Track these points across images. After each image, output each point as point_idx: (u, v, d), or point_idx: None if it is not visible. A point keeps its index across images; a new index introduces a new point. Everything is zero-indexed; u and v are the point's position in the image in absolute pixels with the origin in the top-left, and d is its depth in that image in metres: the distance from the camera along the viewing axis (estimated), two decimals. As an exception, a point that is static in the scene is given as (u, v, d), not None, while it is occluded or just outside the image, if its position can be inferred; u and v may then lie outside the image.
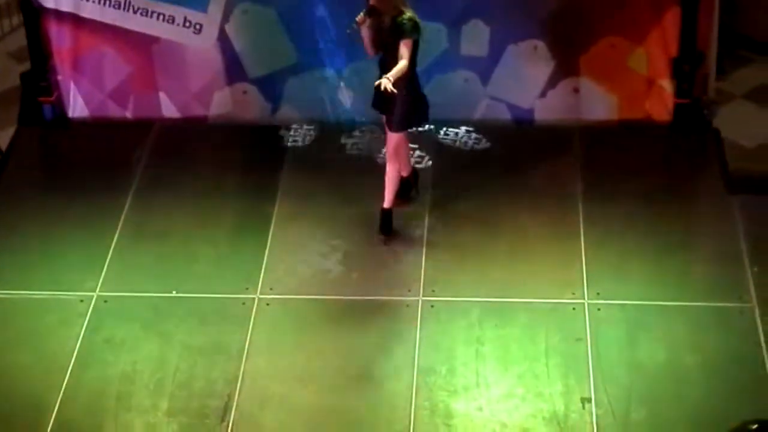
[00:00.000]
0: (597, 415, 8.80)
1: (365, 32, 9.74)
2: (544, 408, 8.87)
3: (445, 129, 11.51)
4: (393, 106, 9.90)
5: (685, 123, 11.47)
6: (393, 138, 10.16)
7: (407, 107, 9.95)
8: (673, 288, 9.74)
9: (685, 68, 11.31)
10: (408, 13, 9.64)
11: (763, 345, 9.15)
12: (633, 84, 11.55)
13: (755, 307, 9.51)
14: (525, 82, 11.61)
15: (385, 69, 9.72)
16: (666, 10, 11.18)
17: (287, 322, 9.71)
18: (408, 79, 9.75)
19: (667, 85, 11.46)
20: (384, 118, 10.14)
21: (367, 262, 10.14)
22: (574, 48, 11.46)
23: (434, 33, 11.08)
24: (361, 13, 9.65)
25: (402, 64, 9.48)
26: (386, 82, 9.33)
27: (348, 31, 9.74)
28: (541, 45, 11.43)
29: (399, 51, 9.52)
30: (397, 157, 10.25)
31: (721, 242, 10.20)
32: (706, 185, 10.95)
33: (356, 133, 11.46)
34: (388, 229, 10.35)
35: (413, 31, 9.60)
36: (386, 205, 10.32)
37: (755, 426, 8.16)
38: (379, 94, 9.85)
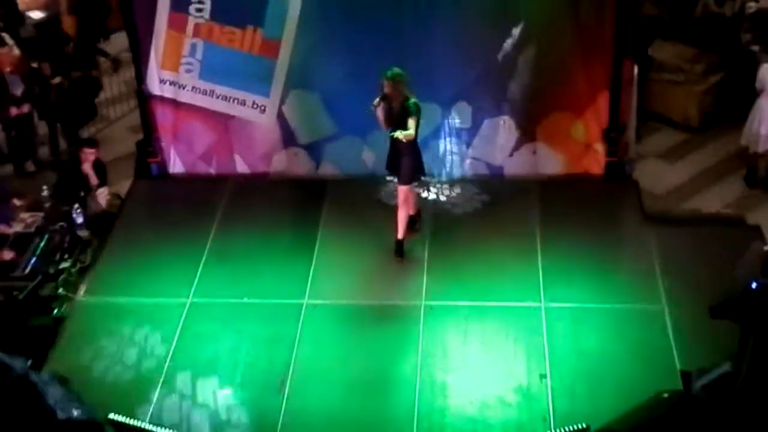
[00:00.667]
0: (551, 387, 8.77)
1: (380, 113, 9.74)
2: (513, 382, 8.86)
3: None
4: (401, 167, 9.92)
5: (613, 176, 11.37)
6: (402, 190, 10.11)
7: (412, 166, 9.94)
8: (605, 295, 9.69)
9: (613, 136, 11.23)
10: (412, 99, 9.64)
11: (671, 337, 9.10)
12: (575, 147, 11.46)
13: (665, 308, 9.45)
14: (497, 146, 11.52)
15: (394, 141, 9.79)
16: (598, 93, 11.12)
17: (328, 321, 9.67)
18: (412, 146, 9.76)
19: (600, 148, 11.37)
20: (395, 177, 10.12)
21: (385, 277, 10.09)
22: (531, 121, 11.37)
23: (431, 111, 11.02)
24: (377, 99, 9.65)
25: (410, 133, 9.49)
26: (399, 134, 9.47)
27: (367, 111, 9.70)
28: (508, 119, 11.36)
29: (407, 125, 9.53)
30: (406, 203, 10.18)
31: (640, 262, 10.11)
32: (629, 220, 10.87)
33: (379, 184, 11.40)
34: (400, 253, 10.26)
35: (417, 112, 9.64)
36: (399, 236, 10.24)
37: (666, 394, 8.13)
38: (391, 159, 10.03)
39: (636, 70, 11.50)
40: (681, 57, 13.54)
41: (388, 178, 10.66)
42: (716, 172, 12.69)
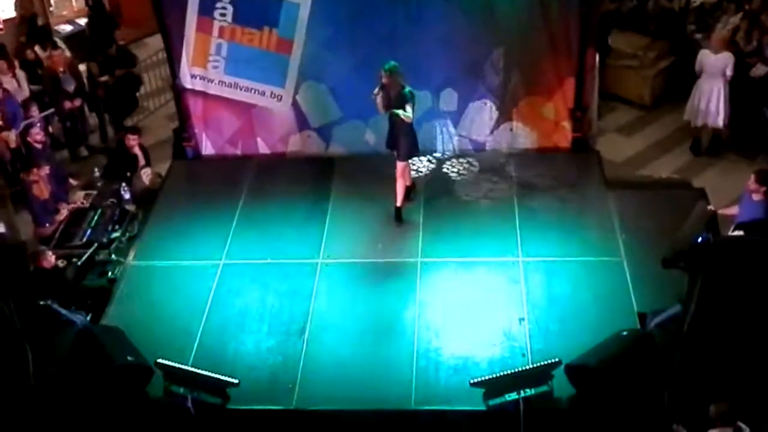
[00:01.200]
0: (529, 328, 8.85)
1: (379, 100, 9.74)
2: (496, 323, 8.93)
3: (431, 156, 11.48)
4: (399, 145, 9.92)
5: (579, 148, 11.39)
6: (400, 165, 10.12)
7: (409, 145, 9.98)
8: (573, 249, 9.72)
9: (578, 114, 11.24)
10: (407, 87, 9.68)
11: (629, 284, 9.16)
12: (546, 125, 11.45)
13: (623, 260, 9.50)
14: (480, 125, 11.52)
15: (393, 123, 9.85)
16: (565, 79, 11.10)
17: (339, 276, 9.70)
18: (409, 127, 9.81)
19: (567, 125, 11.36)
20: (394, 153, 10.11)
21: (386, 239, 10.09)
22: (508, 104, 11.36)
23: (422, 97, 11.01)
24: (377, 88, 9.67)
25: (409, 114, 9.59)
26: (401, 113, 9.58)
27: (371, 98, 9.69)
28: (489, 103, 11.36)
29: (405, 109, 9.60)
30: (403, 176, 10.21)
31: (602, 220, 10.13)
32: (592, 185, 10.82)
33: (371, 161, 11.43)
34: (399, 218, 10.30)
35: (412, 98, 9.67)
36: (398, 204, 10.27)
37: (625, 332, 8.21)
38: (390, 138, 10.03)
39: (597, 57, 11.50)
40: (636, 45, 13.54)
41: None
42: (666, 143, 12.74)
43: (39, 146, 11.68)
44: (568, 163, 11.23)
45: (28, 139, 11.75)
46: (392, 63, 9.63)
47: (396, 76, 9.64)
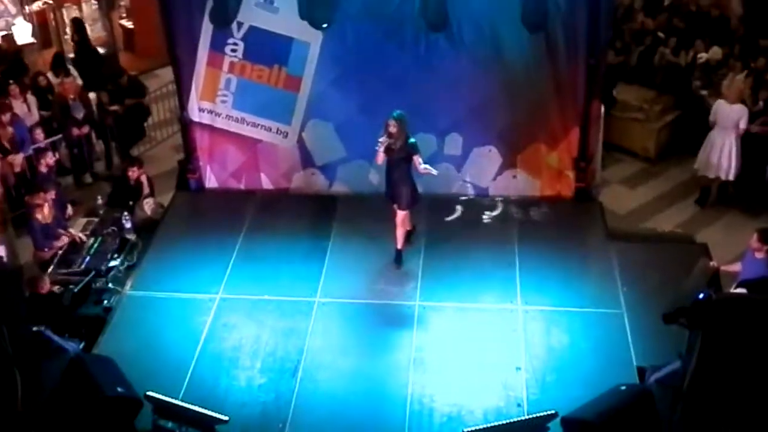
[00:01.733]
0: (526, 378, 8.66)
1: (383, 149, 9.49)
2: (493, 371, 8.74)
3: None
4: (401, 195, 9.76)
5: (581, 198, 11.26)
6: (401, 214, 9.91)
7: (410, 195, 9.80)
8: (573, 299, 9.55)
9: (582, 165, 11.12)
10: (412, 138, 9.52)
11: (629, 338, 8.98)
12: (549, 173, 11.33)
13: (624, 313, 9.32)
14: (483, 171, 11.40)
15: (390, 173, 9.71)
16: (570, 129, 11.01)
17: (335, 316, 9.53)
18: (409, 177, 9.69)
19: (570, 174, 11.25)
20: (395, 205, 9.87)
21: (385, 280, 9.91)
22: (513, 151, 11.26)
23: (427, 140, 10.91)
24: (383, 137, 9.45)
25: (427, 167, 9.55)
26: (427, 167, 9.55)
27: (376, 146, 9.52)
28: (493, 149, 11.25)
29: (413, 160, 9.49)
30: (403, 224, 10.02)
31: (603, 272, 9.97)
32: (594, 236, 10.70)
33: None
34: (399, 261, 10.11)
35: (418, 149, 9.54)
36: (399, 246, 10.09)
37: (624, 387, 8.01)
38: (390, 188, 9.81)
39: (602, 109, 11.40)
40: (642, 98, 13.52)
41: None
42: (670, 197, 12.63)
43: (46, 171, 11.57)
44: (571, 213, 11.10)
45: (41, 163, 11.67)
46: (400, 112, 9.46)
47: (404, 125, 9.44)
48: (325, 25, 10.57)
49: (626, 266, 9.95)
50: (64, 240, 10.46)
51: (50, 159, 11.76)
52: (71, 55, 15.65)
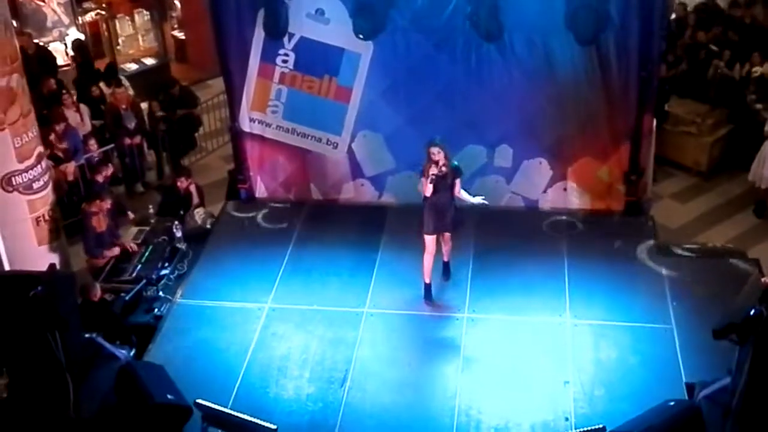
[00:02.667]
0: (573, 392, 8.67)
1: (429, 181, 9.15)
2: (541, 384, 8.78)
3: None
4: (450, 222, 9.52)
5: (632, 212, 11.24)
6: (447, 234, 9.70)
7: (459, 216, 9.61)
8: (623, 314, 9.54)
9: (633, 178, 11.11)
10: (455, 161, 9.36)
11: (678, 353, 8.95)
12: (600, 187, 11.33)
13: (674, 328, 9.29)
14: (534, 183, 11.44)
15: (435, 202, 9.29)
16: (621, 142, 11.00)
17: (384, 327, 9.62)
18: (454, 200, 9.47)
19: (621, 188, 11.23)
20: (443, 235, 9.65)
21: (433, 292, 9.94)
22: (563, 164, 11.28)
23: (477, 152, 11.01)
24: (430, 166, 9.13)
25: (466, 194, 9.43)
26: (479, 198, 9.51)
27: (420, 187, 9.34)
28: (544, 161, 11.28)
29: (456, 186, 9.33)
30: (451, 239, 9.79)
31: (653, 287, 9.94)
32: (643, 250, 10.62)
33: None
34: (448, 275, 10.02)
35: (462, 172, 9.43)
36: (446, 259, 9.93)
37: (672, 402, 7.99)
38: (435, 219, 9.39)
39: (654, 123, 11.38)
40: (694, 112, 13.45)
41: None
42: (722, 211, 12.57)
43: (102, 181, 11.85)
44: (621, 226, 11.08)
45: (99, 173, 11.96)
46: (438, 137, 9.24)
47: (446, 150, 9.18)
48: (372, 37, 10.69)
49: (676, 280, 9.93)
50: (116, 250, 10.69)
51: (108, 170, 12.04)
52: (126, 66, 15.95)
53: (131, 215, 11.67)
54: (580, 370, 8.88)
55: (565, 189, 11.40)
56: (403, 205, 11.56)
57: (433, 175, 9.09)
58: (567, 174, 11.32)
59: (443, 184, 9.22)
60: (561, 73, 10.66)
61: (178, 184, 11.63)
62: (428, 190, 9.20)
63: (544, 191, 11.46)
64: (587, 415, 8.32)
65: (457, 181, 9.34)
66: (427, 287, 9.80)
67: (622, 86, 10.66)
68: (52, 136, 12.17)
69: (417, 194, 11.36)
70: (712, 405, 7.76)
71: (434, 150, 9.08)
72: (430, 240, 9.52)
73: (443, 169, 9.11)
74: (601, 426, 7.65)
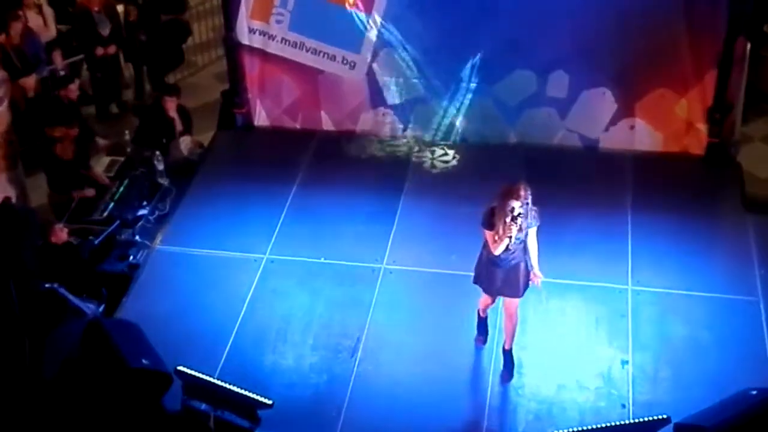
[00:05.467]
0: (633, 373, 8.69)
1: (507, 238, 7.90)
2: (592, 365, 8.80)
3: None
4: (518, 282, 8.32)
5: (715, 157, 11.17)
6: (515, 303, 8.52)
7: (526, 274, 8.39)
8: (696, 281, 9.53)
9: (717, 116, 11.03)
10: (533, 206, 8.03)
11: (765, 331, 8.94)
12: (676, 125, 11.28)
13: (760, 300, 9.28)
14: (593, 119, 11.39)
15: (503, 260, 8.11)
16: (706, 70, 10.92)
17: (404, 287, 9.67)
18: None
19: (702, 127, 11.18)
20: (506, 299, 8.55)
21: (463, 249, 9.82)
22: (632, 95, 11.21)
23: (525, 78, 10.93)
24: (510, 223, 7.79)
25: (536, 251, 8.24)
26: (540, 279, 8.36)
27: (498, 241, 7.95)
28: (608, 92, 11.21)
29: (531, 236, 8.13)
30: (514, 315, 8.64)
31: (737, 249, 9.93)
32: (728, 205, 10.64)
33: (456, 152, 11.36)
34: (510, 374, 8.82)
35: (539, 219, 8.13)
36: (507, 347, 8.77)
37: (755, 392, 7.97)
38: (505, 284, 8.33)
39: (748, 47, 11.26)
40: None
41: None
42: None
43: (67, 99, 11.87)
44: (701, 175, 11.06)
45: (62, 92, 11.91)
46: (523, 182, 8.06)
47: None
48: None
49: (766, 243, 9.90)
50: (91, 191, 10.72)
51: (72, 91, 11.99)
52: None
53: (102, 142, 11.69)
54: (643, 347, 8.90)
55: (632, 127, 11.36)
56: (432, 141, 11.53)
57: (509, 235, 7.88)
58: (635, 109, 11.27)
59: (517, 236, 8.03)
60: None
61: (164, 104, 11.58)
62: (500, 249, 8.02)
63: (606, 129, 11.42)
64: (649, 403, 8.36)
65: (532, 231, 8.14)
66: (482, 321, 9.00)
67: (709, 1, 10.54)
68: (2, 37, 12.09)
69: (450, 128, 11.40)
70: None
71: (516, 206, 7.77)
72: (486, 298, 8.70)
73: (522, 226, 7.92)
74: (665, 416, 7.67)
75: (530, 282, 8.38)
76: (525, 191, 7.82)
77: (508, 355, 8.76)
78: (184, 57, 14.50)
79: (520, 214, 7.76)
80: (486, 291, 8.51)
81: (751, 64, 11.62)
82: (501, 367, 8.76)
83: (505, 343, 8.78)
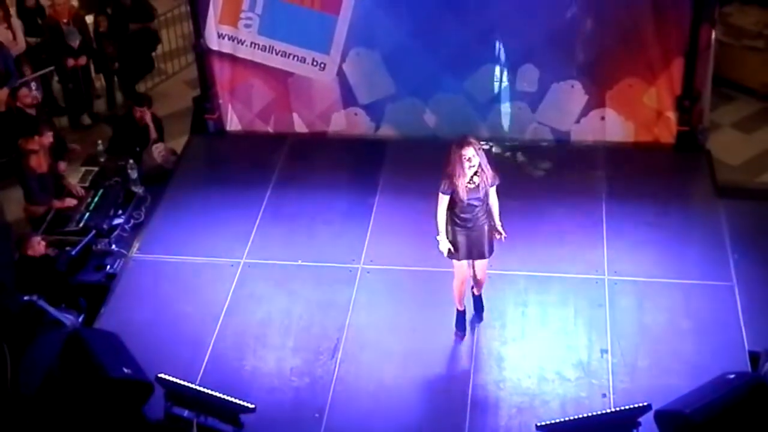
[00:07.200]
0: (612, 363, 8.71)
1: (455, 190, 8.18)
2: (572, 356, 8.81)
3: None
4: (486, 242, 8.52)
5: (685, 145, 11.23)
6: (484, 264, 8.78)
7: (491, 237, 8.59)
8: (672, 269, 9.56)
9: (686, 104, 11.08)
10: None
11: (740, 315, 8.98)
12: (646, 114, 11.32)
13: (734, 285, 9.31)
14: (564, 112, 11.41)
15: (467, 219, 8.29)
16: (673, 59, 10.96)
17: (382, 286, 9.65)
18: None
19: (672, 116, 11.23)
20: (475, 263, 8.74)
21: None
22: (601, 86, 11.24)
23: (495, 73, 10.94)
24: (459, 173, 8.09)
25: (497, 209, 8.44)
26: (503, 236, 8.50)
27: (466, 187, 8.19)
28: (577, 84, 11.23)
29: (491, 195, 8.33)
30: (485, 275, 8.95)
31: (710, 235, 9.97)
32: (700, 192, 10.71)
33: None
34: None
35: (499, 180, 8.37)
36: (476, 293, 9.11)
37: (732, 376, 8.00)
38: (474, 246, 8.52)
39: (714, 34, 11.29)
40: (762, 22, 13.29)
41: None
42: (794, 144, 12.50)
43: (31, 111, 11.76)
44: (671, 163, 11.11)
45: (18, 103, 11.82)
46: (470, 134, 8.43)
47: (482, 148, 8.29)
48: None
49: (738, 229, 9.93)
50: (72, 201, 10.61)
51: (26, 96, 11.80)
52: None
53: (75, 148, 11.60)
54: (621, 336, 8.91)
55: (603, 118, 11.38)
56: (405, 138, 11.56)
57: (466, 185, 8.15)
58: (605, 99, 11.30)
59: (477, 197, 8.28)
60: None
61: (136, 113, 11.54)
62: (462, 191, 8.18)
63: (578, 121, 11.45)
64: (629, 391, 8.37)
65: (492, 191, 8.35)
66: (461, 315, 9.07)
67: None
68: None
69: (423, 125, 11.41)
70: (782, 378, 7.80)
71: (468, 153, 8.07)
72: (460, 266, 8.77)
73: (476, 179, 8.19)
74: (645, 404, 7.66)
75: (494, 240, 8.56)
76: (475, 142, 8.13)
77: (478, 300, 9.13)
78: (155, 65, 14.45)
79: (471, 158, 8.03)
80: (461, 258, 8.61)
81: (716, 51, 11.67)
82: (484, 359, 8.76)
83: (474, 289, 9.06)
